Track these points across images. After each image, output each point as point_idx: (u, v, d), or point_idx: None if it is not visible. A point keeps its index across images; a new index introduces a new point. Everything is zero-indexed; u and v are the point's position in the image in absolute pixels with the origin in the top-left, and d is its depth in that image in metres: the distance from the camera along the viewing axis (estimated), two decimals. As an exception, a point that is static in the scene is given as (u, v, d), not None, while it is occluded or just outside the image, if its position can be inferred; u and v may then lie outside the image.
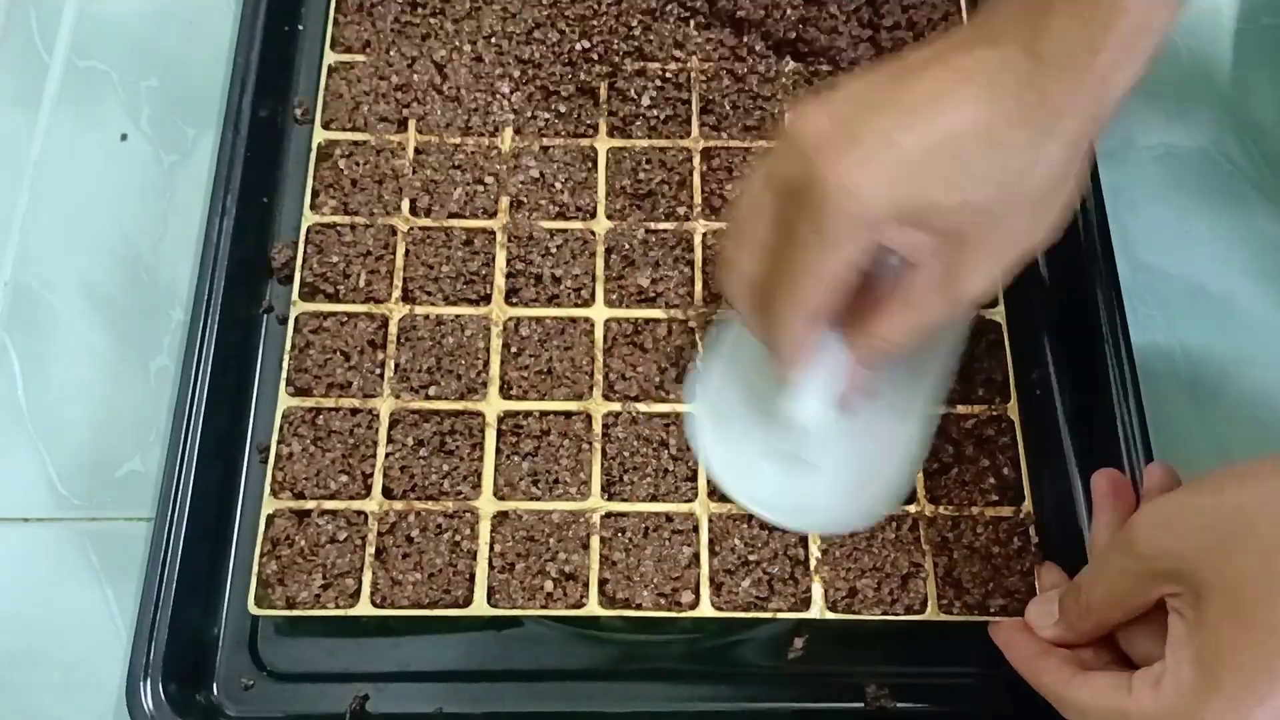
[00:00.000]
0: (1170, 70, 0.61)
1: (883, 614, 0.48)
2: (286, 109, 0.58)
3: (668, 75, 0.57)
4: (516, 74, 0.57)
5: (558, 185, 0.55)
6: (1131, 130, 0.60)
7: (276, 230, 0.56)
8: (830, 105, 0.38)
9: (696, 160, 0.55)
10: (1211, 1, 0.63)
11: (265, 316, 0.54)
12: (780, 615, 0.47)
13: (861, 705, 0.48)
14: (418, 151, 0.56)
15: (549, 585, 0.48)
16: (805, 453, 0.48)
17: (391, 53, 0.58)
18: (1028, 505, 0.49)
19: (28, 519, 0.52)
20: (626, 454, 0.50)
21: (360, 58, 0.58)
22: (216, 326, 0.51)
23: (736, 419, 0.49)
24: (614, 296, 0.53)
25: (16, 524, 0.52)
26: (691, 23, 0.58)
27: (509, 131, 0.56)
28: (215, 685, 0.48)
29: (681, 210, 0.55)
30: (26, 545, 0.52)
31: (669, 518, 0.49)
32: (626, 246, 0.54)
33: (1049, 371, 0.53)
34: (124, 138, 0.60)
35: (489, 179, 0.55)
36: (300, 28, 0.60)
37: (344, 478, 0.49)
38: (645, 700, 0.48)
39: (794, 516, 0.48)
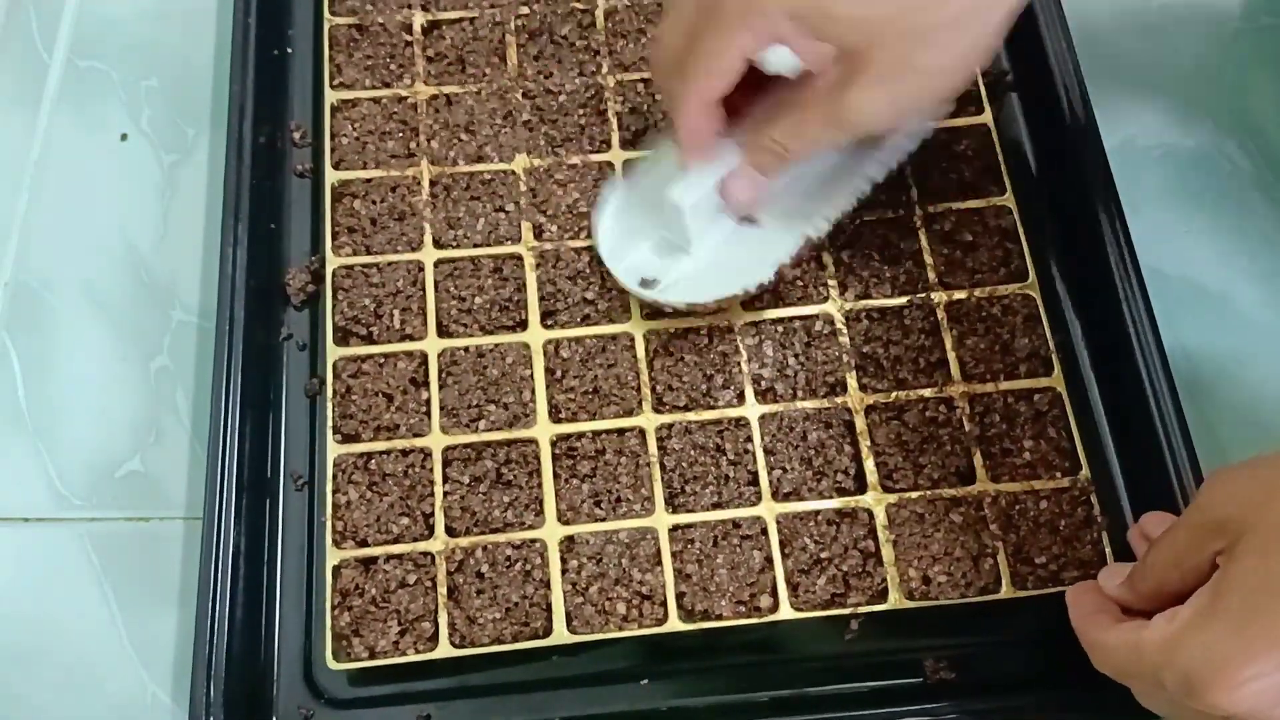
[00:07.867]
0: (1170, 70, 0.62)
1: (960, 598, 0.48)
2: (284, 133, 0.57)
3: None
4: (522, 97, 0.57)
5: (579, 203, 0.55)
6: (1131, 131, 0.60)
7: (287, 257, 0.55)
8: None
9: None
10: (1211, 1, 0.63)
11: (285, 344, 0.53)
12: (861, 610, 0.47)
13: (921, 680, 0.48)
14: (433, 184, 0.55)
15: (622, 607, 0.47)
16: (677, 235, 0.50)
17: (393, 86, 0.57)
18: (1085, 473, 0.50)
19: (28, 519, 0.52)
20: (685, 465, 0.50)
21: (362, 94, 0.57)
22: (241, 359, 0.50)
23: (634, 215, 0.52)
24: (649, 310, 0.52)
25: (16, 524, 0.51)
26: None
27: (522, 155, 0.56)
28: (275, 718, 0.47)
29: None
30: (26, 545, 0.51)
31: (736, 524, 0.49)
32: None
33: (1075, 340, 0.54)
34: (124, 138, 0.59)
35: (509, 205, 0.55)
36: (289, 50, 0.59)
37: (405, 520, 0.49)
38: (707, 692, 0.48)
39: (647, 287, 0.51)
